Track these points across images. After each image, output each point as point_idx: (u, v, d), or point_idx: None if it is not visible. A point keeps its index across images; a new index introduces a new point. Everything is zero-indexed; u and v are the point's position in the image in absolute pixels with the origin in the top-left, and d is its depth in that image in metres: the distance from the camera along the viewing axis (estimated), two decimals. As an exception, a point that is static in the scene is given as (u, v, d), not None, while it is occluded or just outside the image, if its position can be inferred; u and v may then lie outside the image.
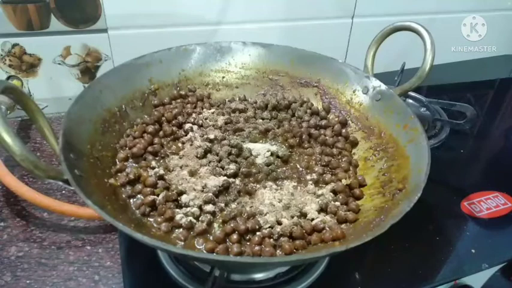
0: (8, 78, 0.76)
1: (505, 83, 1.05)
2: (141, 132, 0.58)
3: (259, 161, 0.57)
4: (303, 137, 0.61)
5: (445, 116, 0.85)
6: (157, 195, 0.49)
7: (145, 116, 0.61)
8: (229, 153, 0.56)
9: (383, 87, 0.61)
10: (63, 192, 0.64)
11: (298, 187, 0.53)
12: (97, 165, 0.50)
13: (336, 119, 0.65)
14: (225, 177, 0.52)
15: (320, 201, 0.51)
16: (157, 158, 0.56)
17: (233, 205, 0.50)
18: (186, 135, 0.60)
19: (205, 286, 0.48)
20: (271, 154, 0.58)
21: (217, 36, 0.82)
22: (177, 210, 0.48)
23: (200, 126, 0.62)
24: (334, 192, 0.53)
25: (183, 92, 0.66)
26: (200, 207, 0.48)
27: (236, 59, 0.69)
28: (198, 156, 0.55)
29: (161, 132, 0.59)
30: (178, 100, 0.65)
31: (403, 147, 0.54)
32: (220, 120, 0.63)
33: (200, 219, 0.48)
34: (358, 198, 0.53)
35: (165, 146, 0.58)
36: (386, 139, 0.58)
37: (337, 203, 0.51)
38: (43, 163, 0.41)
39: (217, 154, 0.56)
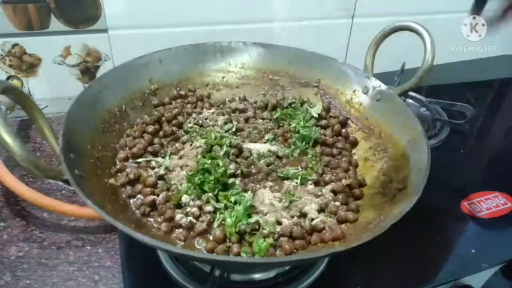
0: (8, 78, 0.76)
1: (505, 83, 1.05)
2: (141, 132, 0.58)
3: (259, 161, 0.57)
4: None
5: (445, 116, 0.86)
6: (157, 195, 0.49)
7: (145, 116, 0.61)
8: (229, 153, 0.56)
9: (383, 87, 0.61)
10: (63, 192, 0.65)
11: (298, 187, 0.53)
12: (97, 165, 0.50)
13: (336, 119, 0.65)
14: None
15: (320, 201, 0.51)
16: (157, 158, 0.56)
17: (233, 205, 0.50)
18: (186, 135, 0.60)
19: (205, 286, 0.48)
20: (271, 154, 0.58)
21: (217, 36, 0.82)
22: (177, 210, 0.48)
23: (200, 126, 0.62)
24: (334, 192, 0.53)
25: (183, 92, 0.66)
26: (200, 207, 0.48)
27: (236, 59, 0.69)
28: (198, 156, 0.55)
29: (161, 132, 0.59)
30: (178, 100, 0.65)
31: (403, 147, 0.54)
32: (220, 120, 0.63)
33: (200, 219, 0.48)
34: (358, 198, 0.53)
35: (165, 146, 0.58)
36: (386, 139, 0.58)
37: (337, 203, 0.51)
38: (43, 163, 0.41)
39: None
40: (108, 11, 0.74)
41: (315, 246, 0.46)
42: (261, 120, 0.65)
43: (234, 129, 0.61)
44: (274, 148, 0.59)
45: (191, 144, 0.58)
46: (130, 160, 0.55)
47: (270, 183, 0.54)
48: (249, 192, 0.51)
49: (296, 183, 0.54)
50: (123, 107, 0.59)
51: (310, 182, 0.54)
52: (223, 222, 0.47)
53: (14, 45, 0.73)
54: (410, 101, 0.89)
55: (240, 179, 0.53)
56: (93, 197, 0.42)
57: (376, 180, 0.54)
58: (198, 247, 0.46)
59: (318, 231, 0.48)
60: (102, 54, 0.79)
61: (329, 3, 0.87)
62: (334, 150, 0.60)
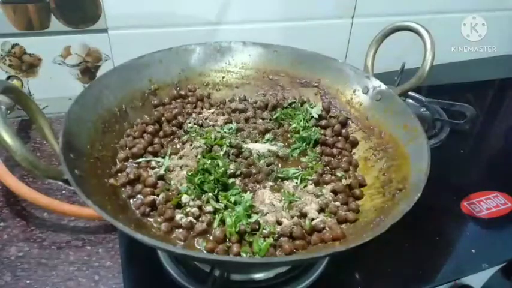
0: (8, 78, 0.76)
1: (505, 83, 1.05)
2: (141, 132, 0.58)
3: (259, 161, 0.57)
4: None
5: (445, 116, 0.85)
6: (157, 195, 0.49)
7: (145, 116, 0.61)
8: (229, 153, 0.56)
9: (383, 87, 0.61)
10: (63, 192, 0.65)
11: (298, 187, 0.53)
12: (97, 165, 0.50)
13: (336, 119, 0.65)
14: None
15: (320, 201, 0.51)
16: (157, 158, 0.56)
17: (233, 205, 0.50)
18: (186, 135, 0.60)
19: (205, 286, 0.48)
20: (271, 154, 0.58)
21: (217, 36, 0.82)
22: (177, 210, 0.48)
23: (200, 126, 0.62)
24: (334, 192, 0.53)
25: (183, 92, 0.66)
26: (200, 207, 0.48)
27: (236, 59, 0.69)
28: (198, 156, 0.55)
29: (161, 132, 0.59)
30: (178, 100, 0.65)
31: (403, 147, 0.54)
32: (220, 120, 0.63)
33: (200, 219, 0.48)
34: (358, 198, 0.53)
35: (165, 146, 0.58)
36: (386, 139, 0.58)
37: (337, 203, 0.51)
38: (43, 163, 0.41)
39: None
40: (108, 11, 0.74)
41: (315, 246, 0.46)
42: (261, 120, 0.65)
43: (234, 129, 0.61)
44: (274, 148, 0.59)
45: (191, 144, 0.58)
46: (130, 160, 0.55)
47: (270, 183, 0.54)
48: (249, 192, 0.51)
49: (296, 183, 0.54)
50: (123, 107, 0.59)
51: (310, 182, 0.54)
52: (223, 223, 0.47)
53: (14, 45, 0.73)
54: (410, 101, 0.89)
55: (240, 179, 0.53)
56: (93, 197, 0.42)
57: (376, 180, 0.54)
58: (198, 247, 0.46)
59: (318, 231, 0.48)
60: (102, 54, 0.79)
61: (329, 3, 0.87)
62: (334, 150, 0.60)
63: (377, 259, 0.56)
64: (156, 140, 0.58)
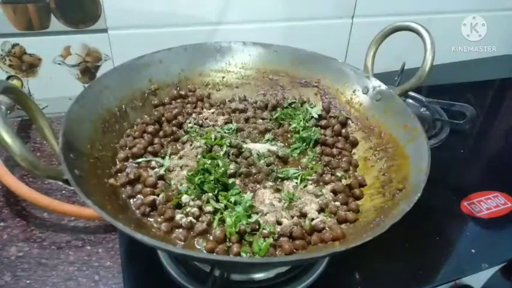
0: (8, 78, 0.76)
1: (505, 83, 1.05)
2: (141, 132, 0.58)
3: (259, 161, 0.57)
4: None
5: (445, 116, 0.85)
6: (157, 195, 0.49)
7: (145, 116, 0.61)
8: (229, 153, 0.56)
9: (383, 87, 0.61)
10: (63, 192, 0.65)
11: (298, 187, 0.53)
12: (97, 165, 0.50)
13: (336, 119, 0.65)
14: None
15: (320, 201, 0.51)
16: (157, 158, 0.56)
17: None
18: (186, 135, 0.60)
19: (205, 286, 0.48)
20: (271, 154, 0.58)
21: (217, 36, 0.82)
22: (177, 210, 0.48)
23: (200, 126, 0.62)
24: (334, 192, 0.53)
25: (183, 92, 0.66)
26: (200, 207, 0.48)
27: (236, 59, 0.69)
28: (198, 156, 0.55)
29: (161, 132, 0.60)
30: (178, 100, 0.65)
31: (403, 147, 0.54)
32: (220, 120, 0.63)
33: (200, 219, 0.48)
34: (358, 198, 0.53)
35: (165, 146, 0.58)
36: (386, 139, 0.58)
37: (337, 203, 0.51)
38: (43, 163, 0.41)
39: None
40: (108, 11, 0.74)
41: (315, 246, 0.46)
42: (261, 120, 0.65)
43: (234, 129, 0.61)
44: (274, 148, 0.59)
45: (191, 144, 0.58)
46: (130, 160, 0.55)
47: (270, 183, 0.54)
48: (249, 192, 0.51)
49: (296, 183, 0.54)
50: (123, 107, 0.59)
51: (310, 182, 0.54)
52: (223, 223, 0.47)
53: (14, 45, 0.73)
54: (410, 101, 0.89)
55: (240, 179, 0.53)
56: (93, 197, 0.42)
57: (376, 180, 0.54)
58: (198, 247, 0.46)
59: (318, 231, 0.48)
60: (102, 54, 0.79)
61: (329, 3, 0.87)
62: (334, 150, 0.60)
63: (377, 259, 0.56)
64: (156, 140, 0.58)
